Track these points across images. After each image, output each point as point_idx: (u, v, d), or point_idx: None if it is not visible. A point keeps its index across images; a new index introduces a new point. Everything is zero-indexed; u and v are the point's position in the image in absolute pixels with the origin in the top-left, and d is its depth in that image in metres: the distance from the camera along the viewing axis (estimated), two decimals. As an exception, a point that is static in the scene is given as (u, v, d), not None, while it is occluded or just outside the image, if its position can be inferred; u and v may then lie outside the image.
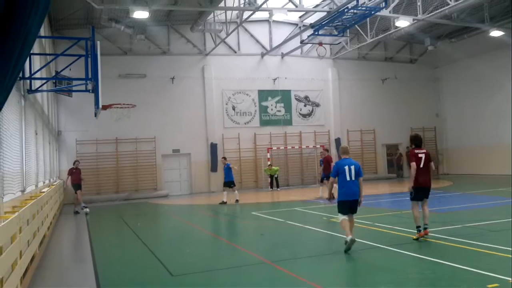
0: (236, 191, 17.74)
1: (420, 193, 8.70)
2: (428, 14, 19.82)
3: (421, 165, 8.58)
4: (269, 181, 24.12)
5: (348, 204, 8.11)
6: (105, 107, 13.60)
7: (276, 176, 23.77)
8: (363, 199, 8.20)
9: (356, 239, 7.86)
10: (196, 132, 23.98)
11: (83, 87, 12.32)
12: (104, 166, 22.29)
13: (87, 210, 16.32)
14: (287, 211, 15.06)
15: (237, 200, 17.50)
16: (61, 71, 13.40)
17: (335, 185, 8.82)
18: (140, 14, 17.06)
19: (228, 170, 17.70)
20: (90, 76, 11.07)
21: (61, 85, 15.24)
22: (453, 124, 28.83)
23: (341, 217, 8.16)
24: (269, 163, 24.10)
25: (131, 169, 22.73)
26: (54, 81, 15.31)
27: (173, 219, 15.70)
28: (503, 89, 25.00)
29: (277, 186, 23.63)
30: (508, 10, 22.22)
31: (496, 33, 22.58)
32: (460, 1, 17.86)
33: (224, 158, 19.12)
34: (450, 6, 18.18)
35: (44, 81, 12.70)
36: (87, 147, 21.85)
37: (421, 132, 28.66)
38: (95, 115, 13.46)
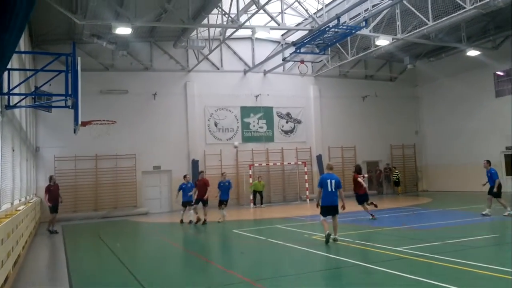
0: (192, 211, 16.74)
1: (363, 196, 15.28)
2: (407, 33, 20.29)
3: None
4: (251, 197, 23.85)
5: (328, 209, 10.47)
6: (84, 124, 13.39)
7: (261, 192, 23.72)
8: (345, 205, 10.48)
9: (331, 234, 10.30)
10: (177, 148, 23.82)
11: (62, 103, 12.14)
12: (82, 183, 21.91)
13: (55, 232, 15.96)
14: (268, 228, 14.99)
15: (190, 221, 16.54)
16: (41, 86, 13.23)
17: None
18: (123, 30, 17.01)
19: (189, 190, 16.80)
20: (70, 92, 10.94)
21: (40, 100, 15.02)
22: (432, 141, 29.28)
23: (322, 218, 10.61)
24: (251, 178, 24.02)
25: (110, 186, 22.38)
26: (33, 96, 15.10)
27: (153, 237, 15.46)
28: (480, 108, 25.53)
29: (261, 203, 23.54)
30: (484, 30, 22.89)
31: (473, 52, 23.16)
32: (438, 21, 18.34)
33: (185, 176, 17.73)
34: (428, 26, 18.64)
35: (23, 96, 12.49)
36: (65, 164, 21.48)
37: (401, 149, 29.15)
38: (74, 131, 13.26)
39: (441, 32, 21.44)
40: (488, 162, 15.08)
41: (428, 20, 18.40)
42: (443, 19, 18.13)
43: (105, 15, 17.51)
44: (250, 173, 24.35)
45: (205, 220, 16.18)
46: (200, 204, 16.54)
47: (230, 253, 11.40)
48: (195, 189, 16.57)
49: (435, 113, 28.87)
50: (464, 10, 16.92)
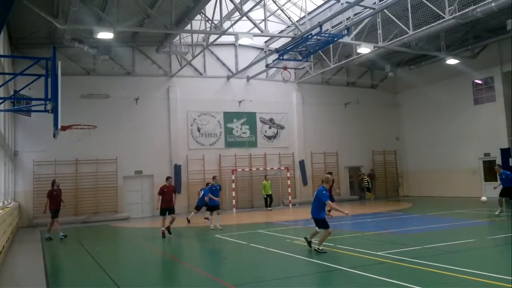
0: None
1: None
2: (388, 42, 20.63)
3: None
4: (234, 202, 24.06)
5: (314, 220, 10.48)
6: (64, 128, 13.23)
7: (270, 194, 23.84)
8: (345, 214, 10.54)
9: (310, 240, 10.38)
10: (159, 153, 23.68)
11: (42, 107, 11.95)
12: (62, 187, 21.08)
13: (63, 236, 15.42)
14: (250, 233, 14.98)
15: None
16: (20, 90, 13.00)
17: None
18: (105, 35, 16.82)
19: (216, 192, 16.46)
20: (49, 96, 10.77)
21: (19, 104, 14.78)
22: (412, 147, 29.70)
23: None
24: (234, 182, 24.08)
25: (91, 191, 22.09)
26: (12, 100, 14.84)
27: (133, 242, 15.30)
28: (459, 115, 26.04)
29: (270, 205, 23.70)
30: (463, 40, 23.40)
31: (452, 61, 23.63)
32: (418, 30, 18.69)
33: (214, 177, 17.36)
34: (409, 34, 18.97)
35: (1, 100, 12.26)
36: (45, 168, 21.12)
37: (382, 155, 29.44)
38: (54, 136, 13.07)
39: (421, 41, 21.82)
40: (500, 166, 15.81)
41: (409, 29, 18.73)
42: (423, 28, 18.49)
43: (87, 20, 17.36)
44: (233, 178, 24.38)
45: (169, 228, 14.97)
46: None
47: (211, 258, 11.35)
48: (159, 197, 14.96)
49: (416, 119, 29.33)
50: (444, 20, 17.28)
